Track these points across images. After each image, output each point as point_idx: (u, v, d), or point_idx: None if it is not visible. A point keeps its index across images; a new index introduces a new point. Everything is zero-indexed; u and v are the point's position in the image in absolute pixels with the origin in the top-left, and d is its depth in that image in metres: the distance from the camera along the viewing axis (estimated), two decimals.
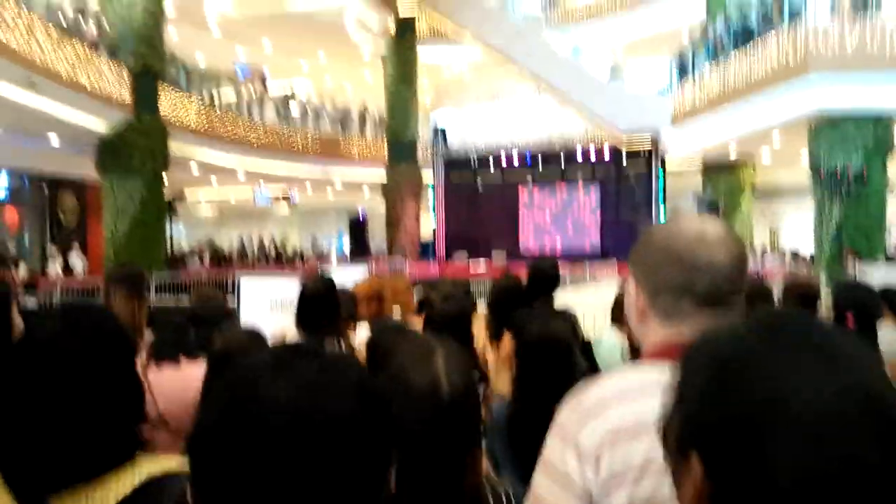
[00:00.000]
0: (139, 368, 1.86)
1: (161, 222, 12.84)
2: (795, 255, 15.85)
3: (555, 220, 19.12)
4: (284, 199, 23.06)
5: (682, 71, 14.57)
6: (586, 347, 2.88)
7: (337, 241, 25.46)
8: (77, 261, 14.51)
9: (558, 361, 1.98)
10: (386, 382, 0.96)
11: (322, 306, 2.64)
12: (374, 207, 21.30)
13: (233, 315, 2.63)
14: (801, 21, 10.29)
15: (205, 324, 2.24)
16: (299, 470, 0.57)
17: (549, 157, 18.93)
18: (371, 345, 1.57)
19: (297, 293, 2.50)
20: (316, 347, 0.66)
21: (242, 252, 21.83)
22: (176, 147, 13.16)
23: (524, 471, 1.10)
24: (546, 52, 17.13)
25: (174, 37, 15.74)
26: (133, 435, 0.99)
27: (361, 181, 20.41)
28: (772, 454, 0.49)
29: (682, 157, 15.56)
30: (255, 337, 1.85)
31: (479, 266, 16.47)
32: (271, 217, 27.18)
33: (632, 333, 1.10)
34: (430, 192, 20.02)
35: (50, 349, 0.92)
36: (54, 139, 12.51)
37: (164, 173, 12.71)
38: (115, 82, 11.92)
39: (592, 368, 2.72)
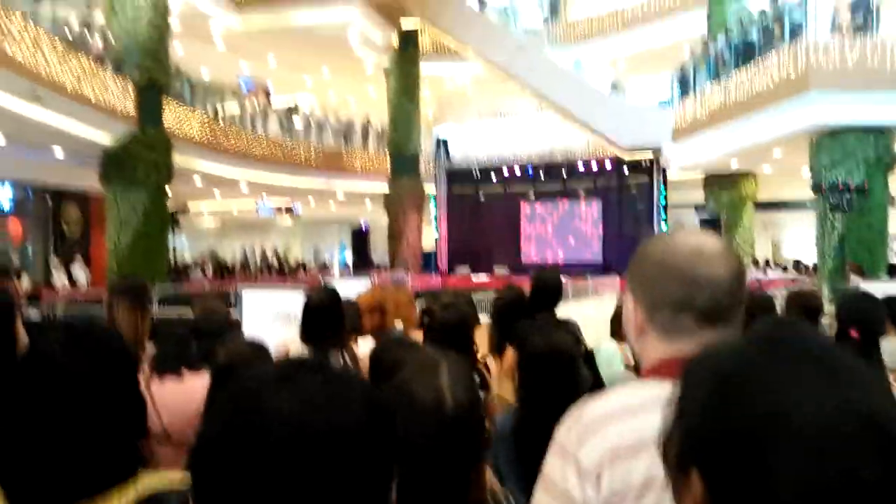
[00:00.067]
0: (142, 381, 1.87)
1: (164, 234, 12.86)
2: (798, 267, 15.84)
3: (556, 232, 19.14)
4: (287, 211, 23.12)
5: (684, 86, 14.64)
6: (588, 357, 2.88)
7: (339, 253, 25.49)
8: (80, 272, 14.53)
9: (562, 373, 1.98)
10: (390, 396, 0.96)
11: (326, 318, 2.64)
12: (376, 220, 21.35)
13: (236, 327, 2.63)
14: (801, 37, 10.36)
15: (208, 336, 2.24)
16: (302, 483, 0.56)
17: (551, 170, 18.99)
18: (375, 358, 1.57)
19: (300, 305, 2.50)
20: (320, 361, 0.66)
21: (245, 264, 21.85)
22: (179, 159, 13.22)
23: (528, 483, 1.10)
24: (548, 68, 17.22)
25: (179, 51, 15.87)
26: (135, 451, 0.99)
27: (364, 194, 20.47)
28: (773, 469, 0.49)
29: (684, 170, 15.59)
30: (259, 349, 1.85)
31: (481, 278, 16.46)
32: (274, 229, 27.23)
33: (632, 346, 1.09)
34: (432, 204, 20.06)
35: (53, 366, 0.92)
36: (58, 151, 12.58)
37: (167, 185, 12.75)
38: (120, 95, 11.99)
39: (595, 379, 2.72)
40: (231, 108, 17.97)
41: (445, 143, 20.21)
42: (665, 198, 17.42)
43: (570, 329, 2.69)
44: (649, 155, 16.65)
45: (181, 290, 12.36)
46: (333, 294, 2.68)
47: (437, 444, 0.93)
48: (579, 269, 15.52)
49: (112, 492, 0.92)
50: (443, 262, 19.78)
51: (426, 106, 20.74)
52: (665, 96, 16.18)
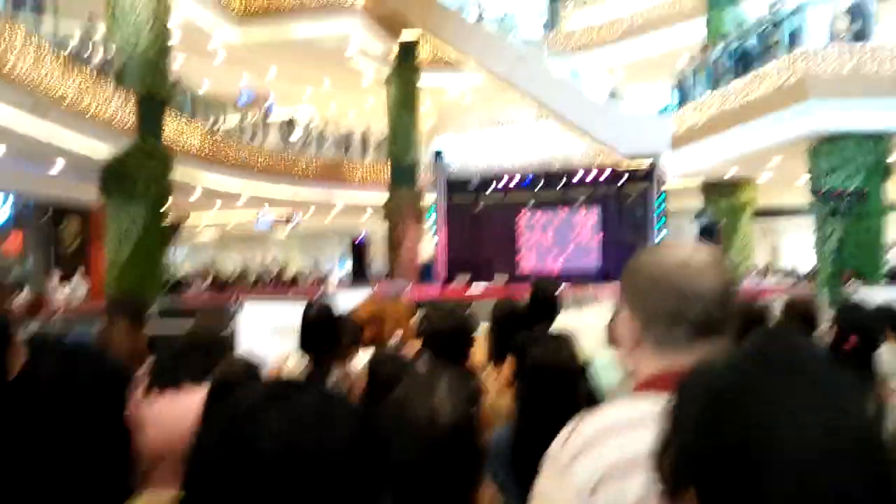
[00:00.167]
0: (139, 396, 1.86)
1: (163, 247, 12.86)
2: (796, 274, 15.84)
3: (556, 241, 19.14)
4: (286, 222, 23.13)
5: (682, 94, 14.69)
6: (584, 369, 2.87)
7: (338, 264, 25.49)
8: (80, 286, 14.52)
9: (562, 386, 1.97)
10: (383, 416, 0.96)
11: (325, 331, 2.65)
12: (375, 230, 21.37)
13: (233, 341, 2.63)
14: (799, 45, 10.41)
15: (206, 350, 2.24)
16: (292, 502, 0.57)
17: (550, 179, 19.01)
18: (370, 373, 1.57)
19: (299, 318, 2.49)
20: (312, 381, 0.66)
21: (244, 276, 21.84)
22: (179, 172, 13.24)
23: (525, 498, 1.09)
24: (547, 77, 17.29)
25: (180, 63, 15.94)
26: (128, 476, 0.98)
27: (363, 204, 20.50)
28: (766, 486, 0.49)
29: (683, 177, 15.62)
30: (252, 367, 1.84)
31: (481, 288, 16.44)
32: (273, 240, 27.24)
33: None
34: (431, 215, 20.08)
35: (47, 393, 0.92)
36: (59, 164, 12.60)
37: (167, 198, 12.77)
38: (121, 108, 12.03)
39: (592, 391, 2.71)
40: (231, 120, 18.03)
41: (444, 153, 20.27)
42: (664, 205, 17.44)
43: (568, 340, 2.69)
44: (648, 163, 16.69)
45: (180, 303, 12.34)
46: (331, 306, 2.68)
47: (432, 463, 0.93)
48: (579, 277, 15.50)
49: None
50: (442, 272, 19.77)
51: (426, 116, 20.80)
52: (663, 104, 16.24)
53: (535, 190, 19.27)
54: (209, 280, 19.50)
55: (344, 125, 21.25)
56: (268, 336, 3.16)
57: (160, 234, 12.59)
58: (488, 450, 2.00)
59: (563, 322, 3.21)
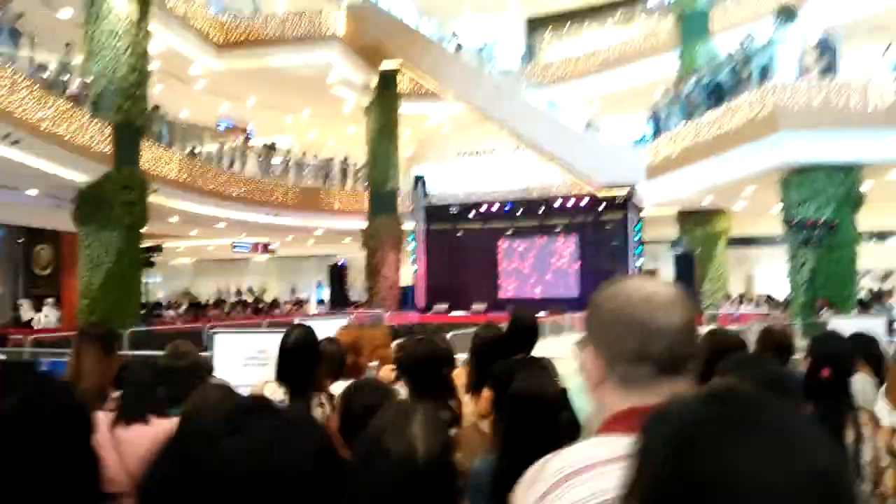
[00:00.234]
0: (106, 427, 1.81)
1: (137, 275, 12.68)
2: (770, 302, 16.07)
3: (534, 268, 19.25)
4: (264, 248, 22.99)
5: (657, 125, 14.99)
6: (564, 397, 2.85)
7: (316, 290, 25.31)
8: (51, 313, 14.23)
9: (544, 417, 1.95)
10: (360, 448, 0.94)
11: (302, 360, 2.61)
12: (354, 257, 21.31)
13: (207, 370, 2.58)
14: (770, 79, 10.70)
15: (177, 379, 2.20)
16: None
17: (528, 207, 19.19)
18: (346, 403, 1.54)
19: (274, 347, 2.46)
20: (272, 407, 0.65)
21: (220, 302, 21.58)
22: (156, 199, 13.14)
23: None
24: (525, 109, 17.55)
25: (160, 92, 15.93)
26: None
27: (342, 231, 20.47)
28: None
29: (658, 206, 15.86)
30: (228, 395, 1.80)
31: (460, 315, 16.43)
32: (250, 266, 27.02)
33: None
34: (410, 242, 20.10)
35: (8, 428, 0.89)
36: (33, 192, 12.44)
37: (143, 225, 12.64)
38: (97, 136, 11.95)
39: (572, 420, 2.70)
40: (210, 147, 17.99)
41: (424, 180, 20.38)
42: (640, 234, 17.66)
43: (546, 367, 2.68)
44: (625, 192, 16.92)
45: (153, 330, 12.13)
46: (309, 334, 2.64)
47: (408, 496, 0.91)
48: (557, 305, 15.57)
49: None
50: (421, 299, 19.73)
51: (405, 145, 20.94)
52: (639, 135, 16.54)
53: (514, 218, 19.43)
54: (185, 306, 19.23)
55: (323, 153, 21.30)
56: (242, 365, 3.11)
57: (134, 261, 12.43)
58: (468, 481, 1.98)
59: (542, 350, 3.20)
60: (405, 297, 19.55)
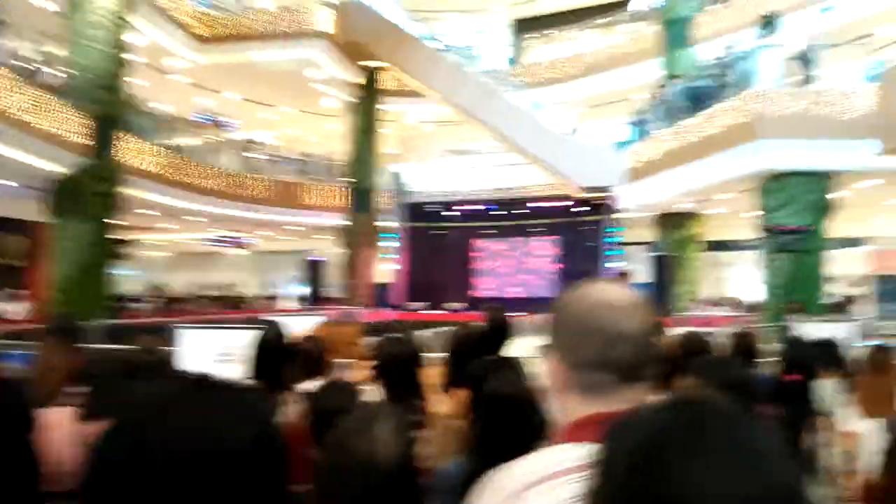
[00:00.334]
0: (70, 423, 1.78)
1: (110, 267, 12.48)
2: (742, 306, 16.30)
3: (514, 269, 19.31)
4: (240, 244, 22.77)
5: (639, 130, 15.13)
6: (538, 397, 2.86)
7: (292, 286, 25.14)
8: (20, 304, 13.95)
9: (519, 417, 1.95)
10: (326, 451, 0.93)
11: (274, 358, 2.58)
12: (330, 253, 21.20)
13: (174, 366, 2.54)
14: (750, 86, 10.86)
15: (143, 375, 2.16)
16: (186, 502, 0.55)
17: (509, 208, 19.26)
18: (315, 403, 1.53)
19: (244, 343, 2.43)
20: (213, 381, 0.64)
21: (194, 296, 21.34)
22: (131, 191, 12.95)
23: None
24: (509, 110, 17.59)
25: (139, 84, 15.71)
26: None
27: (319, 228, 20.35)
28: None
29: (637, 209, 16.00)
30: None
31: (437, 314, 16.42)
32: (225, 261, 26.76)
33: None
34: (390, 240, 20.05)
35: None
36: (4, 181, 12.18)
37: (116, 218, 12.45)
38: (72, 126, 11.75)
39: (546, 420, 2.70)
40: (189, 141, 17.78)
41: (405, 179, 20.33)
42: (619, 236, 17.81)
43: (521, 369, 2.68)
44: (605, 195, 17.05)
45: (123, 324, 11.96)
46: (280, 332, 2.62)
47: (372, 498, 0.91)
48: (536, 305, 15.63)
49: None
50: (400, 297, 19.70)
51: (388, 143, 20.88)
52: (621, 139, 16.67)
53: (494, 218, 19.48)
54: (157, 300, 18.98)
55: (303, 149, 21.16)
56: (211, 361, 3.06)
57: (106, 253, 12.24)
58: (440, 482, 1.97)
59: (519, 349, 3.21)
60: (381, 295, 19.51)
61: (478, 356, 2.99)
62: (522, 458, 0.95)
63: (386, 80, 19.54)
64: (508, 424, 1.90)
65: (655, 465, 0.52)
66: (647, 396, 0.93)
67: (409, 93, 19.41)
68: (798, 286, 10.50)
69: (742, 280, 18.98)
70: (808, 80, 10.76)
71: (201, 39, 17.19)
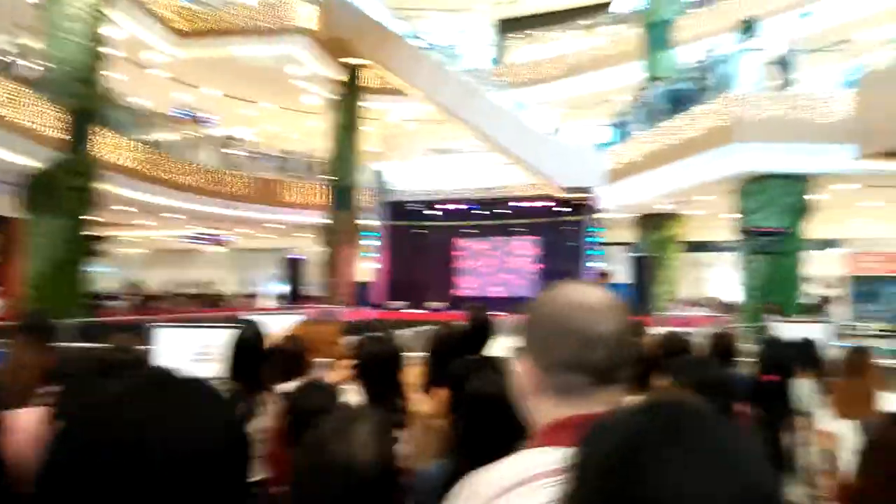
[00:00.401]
0: (41, 424, 1.73)
1: (85, 263, 12.29)
2: (720, 306, 16.50)
3: (495, 268, 19.35)
4: (218, 241, 22.56)
5: (620, 131, 15.24)
6: None
7: (271, 284, 24.97)
8: None
9: (502, 419, 1.93)
10: (303, 454, 0.92)
11: (252, 357, 2.55)
12: (310, 251, 21.08)
13: (149, 365, 2.50)
14: (729, 89, 10.98)
15: (118, 375, 2.12)
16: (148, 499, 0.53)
17: (490, 207, 19.31)
18: (293, 404, 1.51)
19: (221, 342, 2.39)
20: (175, 376, 0.61)
21: (171, 293, 21.10)
22: (108, 187, 12.77)
23: None
24: (491, 109, 17.62)
25: (117, 78, 15.49)
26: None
27: (298, 225, 20.23)
28: None
29: (617, 210, 16.12)
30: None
31: (418, 313, 16.41)
32: (203, 258, 26.50)
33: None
34: (371, 239, 19.99)
35: None
36: None
37: (92, 213, 12.27)
38: (48, 120, 11.55)
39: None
40: (167, 136, 17.57)
41: (387, 177, 20.28)
42: (599, 236, 17.93)
43: (502, 369, 2.67)
44: (586, 195, 17.15)
45: (98, 322, 11.78)
46: (258, 331, 2.58)
47: (351, 502, 0.89)
48: (517, 305, 15.67)
49: None
50: (381, 296, 19.65)
51: (370, 141, 20.80)
52: (601, 140, 16.78)
53: (476, 217, 19.51)
54: (134, 297, 18.74)
55: (283, 146, 21.01)
56: (187, 361, 3.02)
57: (81, 250, 12.05)
58: (422, 483, 1.96)
59: (500, 348, 3.21)
60: (361, 294, 19.45)
61: (459, 356, 2.98)
62: (498, 463, 0.94)
63: (368, 78, 19.47)
64: (491, 425, 1.88)
65: (631, 467, 0.51)
66: (623, 398, 0.92)
67: (392, 91, 19.36)
68: (775, 287, 10.64)
69: (721, 281, 19.20)
70: (786, 85, 10.91)
71: (181, 34, 17.00)
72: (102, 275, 18.72)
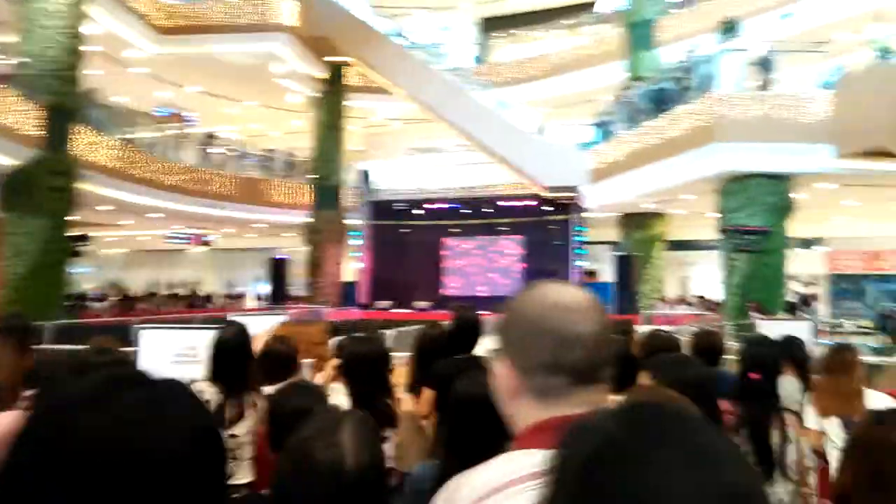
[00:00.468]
0: (16, 427, 1.69)
1: (65, 264, 12.13)
2: (704, 304, 16.65)
3: (479, 267, 19.36)
4: (201, 241, 22.35)
5: (602, 131, 15.32)
6: None
7: (255, 284, 24.78)
8: None
9: (490, 419, 1.91)
10: (287, 456, 0.90)
11: (236, 358, 2.52)
12: (295, 251, 20.95)
13: (130, 367, 2.46)
14: (710, 90, 11.07)
15: None
16: None
17: (475, 206, 19.31)
18: (275, 405, 1.48)
19: (204, 344, 2.36)
20: (145, 376, 0.59)
21: (152, 294, 20.88)
22: (87, 186, 12.60)
23: None
24: (474, 108, 17.62)
25: (97, 76, 15.28)
26: None
27: (283, 224, 20.09)
28: None
29: (600, 209, 16.20)
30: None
31: (403, 312, 16.39)
32: (186, 258, 26.25)
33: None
34: (355, 238, 19.91)
35: None
36: None
37: (72, 213, 12.10)
38: (27, 118, 11.38)
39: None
40: (148, 135, 17.37)
41: (370, 176, 20.22)
42: (583, 235, 18.01)
43: (489, 369, 2.66)
44: (569, 194, 17.22)
45: (79, 323, 11.62)
46: (242, 332, 2.56)
47: None
48: (501, 304, 15.67)
49: None
50: (365, 296, 19.59)
51: (353, 140, 20.71)
52: (584, 140, 16.85)
53: (460, 216, 19.50)
54: (115, 298, 18.52)
55: (267, 145, 20.87)
56: (170, 362, 2.98)
57: (62, 250, 11.88)
58: (411, 485, 1.94)
59: (486, 348, 3.19)
60: (347, 294, 19.37)
61: (445, 355, 2.97)
62: (479, 467, 0.92)
63: (351, 76, 19.39)
64: (478, 426, 1.87)
65: (610, 469, 0.51)
66: (605, 398, 0.92)
67: (376, 89, 19.30)
68: (757, 286, 10.75)
69: (706, 279, 19.37)
70: (767, 85, 11.02)
71: (161, 30, 16.80)
72: (84, 275, 18.50)
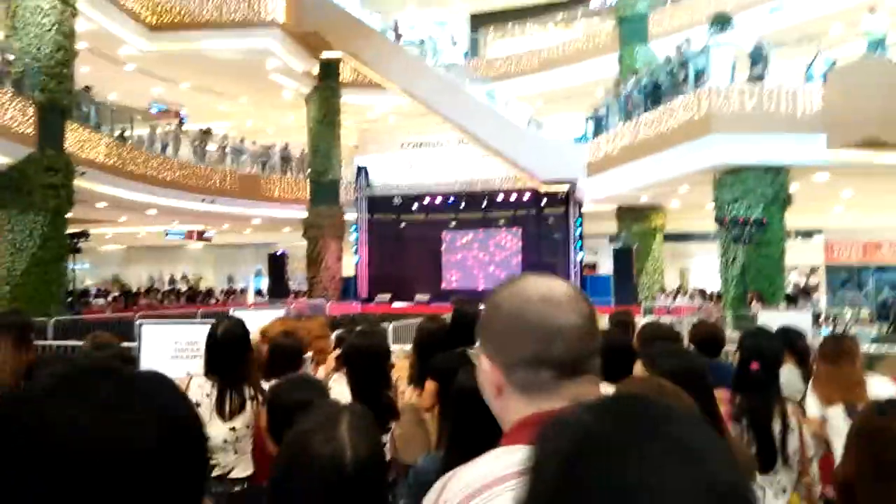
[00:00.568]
0: None
1: (62, 261, 12.12)
2: (703, 295, 16.67)
3: (477, 261, 19.36)
4: (199, 236, 22.32)
5: (597, 124, 15.29)
6: None
7: (255, 280, 24.78)
8: None
9: (491, 413, 1.90)
10: (285, 450, 0.89)
11: (233, 352, 2.52)
12: (294, 246, 20.93)
13: (130, 362, 2.45)
14: (704, 82, 11.05)
15: None
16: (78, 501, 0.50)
17: (472, 200, 19.29)
18: (273, 400, 1.48)
19: (204, 338, 2.35)
20: (115, 366, 0.58)
21: (151, 290, 20.85)
22: (83, 183, 12.57)
23: None
24: (468, 102, 17.58)
25: (90, 73, 15.21)
26: None
27: (282, 220, 20.07)
28: None
29: (597, 202, 16.19)
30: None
31: (402, 306, 16.39)
32: (185, 254, 26.24)
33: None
34: (353, 232, 19.90)
35: None
36: None
37: (68, 210, 12.08)
38: (18, 116, 11.34)
39: None
40: (141, 131, 17.33)
41: (367, 170, 20.19)
42: (581, 228, 18.01)
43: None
44: (566, 188, 17.20)
45: (80, 319, 11.61)
46: (240, 326, 2.55)
47: (336, 501, 0.87)
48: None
49: None
50: (364, 290, 19.59)
51: (348, 135, 20.66)
52: (580, 133, 16.83)
53: (457, 210, 19.49)
54: (113, 295, 18.51)
55: (262, 141, 20.82)
56: (170, 357, 2.97)
57: (59, 247, 11.88)
58: (414, 478, 1.94)
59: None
60: (347, 288, 19.37)
61: (445, 349, 2.97)
62: (468, 465, 0.91)
63: (346, 72, 19.33)
64: (480, 418, 1.86)
65: (589, 463, 0.50)
66: (595, 389, 0.90)
67: (372, 85, 19.23)
68: (755, 276, 10.77)
69: (705, 270, 19.40)
70: (760, 78, 10.99)
71: (151, 27, 16.69)
72: (83, 272, 18.48)
